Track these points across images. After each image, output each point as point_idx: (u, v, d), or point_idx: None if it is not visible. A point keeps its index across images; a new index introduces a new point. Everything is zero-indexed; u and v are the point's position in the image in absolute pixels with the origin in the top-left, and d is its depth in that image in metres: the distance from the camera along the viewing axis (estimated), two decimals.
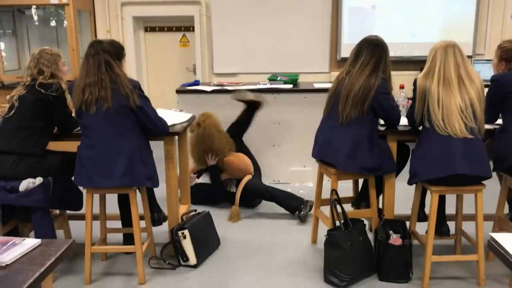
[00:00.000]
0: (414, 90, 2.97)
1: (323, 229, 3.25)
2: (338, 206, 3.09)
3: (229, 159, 4.26)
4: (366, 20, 6.27)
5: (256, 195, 4.26)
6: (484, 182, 2.89)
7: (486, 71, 5.44)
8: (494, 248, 1.55)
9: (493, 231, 3.21)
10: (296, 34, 6.36)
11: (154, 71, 6.94)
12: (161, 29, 6.78)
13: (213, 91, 4.80)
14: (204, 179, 4.48)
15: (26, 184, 2.94)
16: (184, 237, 3.20)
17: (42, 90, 2.97)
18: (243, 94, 4.44)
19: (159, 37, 6.84)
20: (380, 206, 3.41)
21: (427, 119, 2.89)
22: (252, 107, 4.45)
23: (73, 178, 3.07)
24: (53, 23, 6.39)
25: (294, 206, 4.04)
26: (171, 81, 6.48)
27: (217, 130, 4.26)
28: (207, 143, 4.21)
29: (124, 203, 3.24)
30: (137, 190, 3.08)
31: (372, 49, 3.10)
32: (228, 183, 4.35)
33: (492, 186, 3.10)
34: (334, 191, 3.14)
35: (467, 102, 2.79)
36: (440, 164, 2.79)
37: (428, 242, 2.92)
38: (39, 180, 2.96)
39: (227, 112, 4.68)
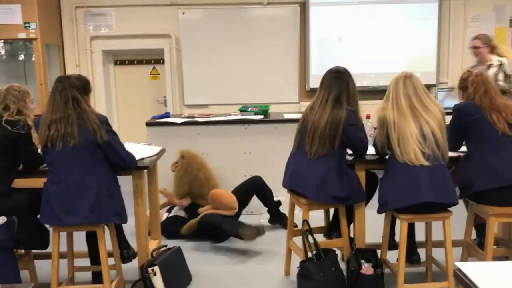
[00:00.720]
0: None
1: (296, 260, 3.23)
2: (310, 237, 3.09)
3: (216, 191, 4.23)
4: (333, 51, 6.43)
5: (209, 228, 4.10)
6: (451, 208, 2.94)
7: (449, 99, 5.63)
8: (460, 279, 1.56)
9: (462, 257, 3.26)
10: (265, 65, 6.47)
11: (124, 104, 6.90)
12: (131, 62, 6.79)
13: (183, 123, 4.79)
14: (179, 212, 4.42)
15: None
16: (154, 274, 3.13)
17: (9, 127, 2.92)
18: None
19: (129, 70, 6.84)
20: (352, 235, 3.43)
21: (387, 147, 2.96)
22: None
23: (39, 216, 2.99)
24: (21, 57, 6.34)
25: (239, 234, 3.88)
26: (141, 114, 6.44)
27: (201, 161, 4.34)
28: (195, 170, 4.25)
29: (92, 240, 3.16)
30: (105, 227, 3.02)
31: (332, 81, 3.15)
32: None
33: (460, 212, 3.16)
34: (305, 221, 3.15)
35: (426, 131, 2.86)
36: (407, 192, 2.83)
37: (399, 270, 2.93)
38: (2, 219, 2.88)
39: (198, 144, 4.68)
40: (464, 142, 3.16)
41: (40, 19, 5.79)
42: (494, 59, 4.50)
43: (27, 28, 5.76)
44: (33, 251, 3.37)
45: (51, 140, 2.81)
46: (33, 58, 5.94)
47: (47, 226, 3.06)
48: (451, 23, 6.51)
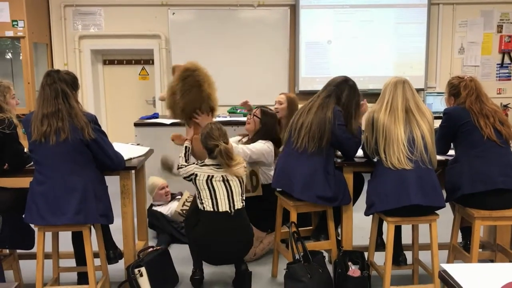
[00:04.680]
0: None
1: (283, 262, 3.23)
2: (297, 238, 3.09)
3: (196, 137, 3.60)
4: (322, 54, 6.45)
5: None
6: (438, 211, 2.96)
7: (437, 104, 5.69)
8: (445, 280, 1.57)
9: (448, 260, 3.28)
10: (255, 67, 6.47)
11: (113, 104, 6.86)
12: (120, 62, 6.75)
13: (172, 124, 4.77)
14: (162, 209, 4.35)
15: None
16: (141, 275, 3.11)
17: None
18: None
19: (118, 70, 6.80)
20: (339, 237, 3.43)
21: (375, 151, 2.98)
22: None
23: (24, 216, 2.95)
24: (8, 56, 6.27)
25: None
26: (130, 114, 6.42)
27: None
28: (199, 80, 3.75)
29: (78, 241, 3.12)
30: (91, 227, 2.99)
31: (326, 87, 3.26)
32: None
33: (447, 215, 3.18)
34: (293, 223, 3.15)
35: (416, 133, 2.89)
36: (395, 195, 2.85)
37: (386, 272, 2.94)
38: None
39: None
40: (452, 146, 3.20)
41: (28, 17, 5.73)
42: None
43: (15, 26, 5.71)
44: (18, 251, 3.33)
45: (45, 136, 2.78)
46: (21, 57, 5.88)
47: (32, 226, 3.02)
48: (439, 28, 6.57)
